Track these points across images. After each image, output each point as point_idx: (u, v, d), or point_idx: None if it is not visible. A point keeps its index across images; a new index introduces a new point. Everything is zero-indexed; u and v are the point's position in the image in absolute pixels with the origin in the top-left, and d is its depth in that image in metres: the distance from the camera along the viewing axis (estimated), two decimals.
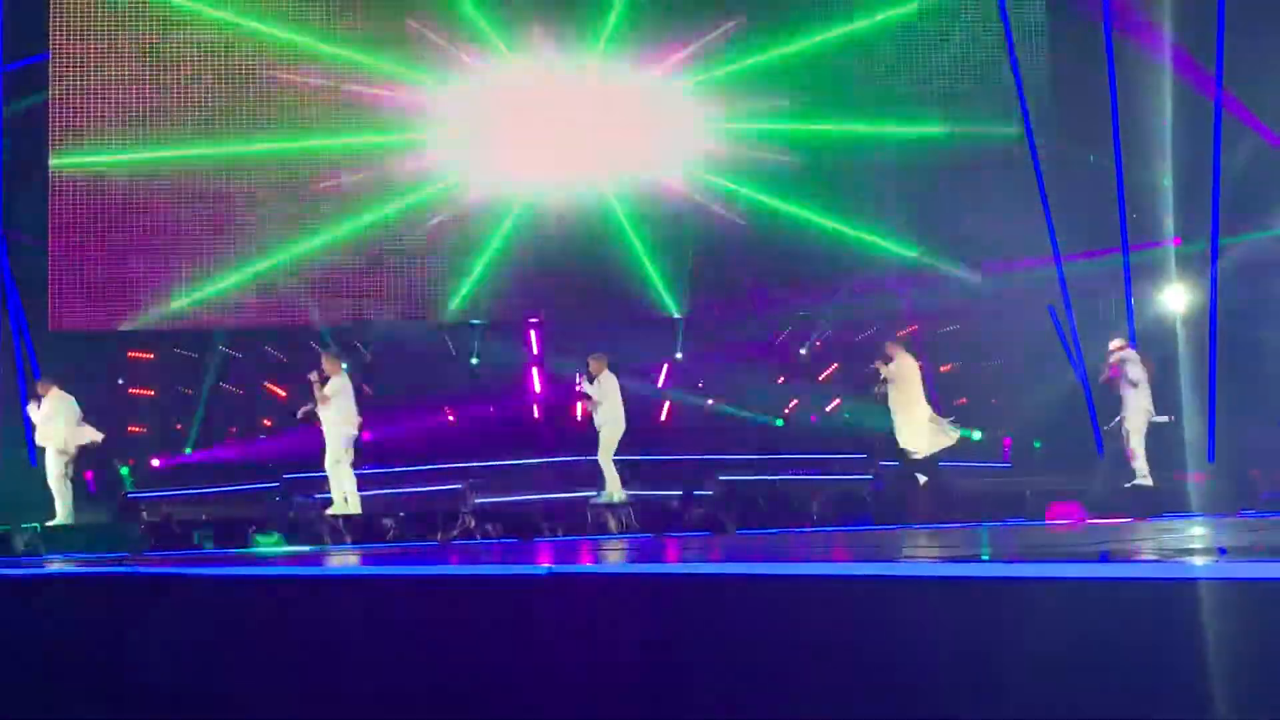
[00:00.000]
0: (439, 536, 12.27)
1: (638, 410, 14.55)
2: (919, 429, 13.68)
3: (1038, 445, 18.39)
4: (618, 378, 13.86)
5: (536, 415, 18.84)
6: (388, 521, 12.75)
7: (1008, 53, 17.84)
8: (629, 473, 14.01)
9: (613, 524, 12.84)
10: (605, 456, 13.68)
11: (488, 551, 10.50)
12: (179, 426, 18.42)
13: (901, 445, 13.78)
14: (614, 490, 13.56)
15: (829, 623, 4.58)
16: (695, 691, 4.64)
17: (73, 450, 13.64)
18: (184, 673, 5.54)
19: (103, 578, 7.64)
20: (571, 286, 17.95)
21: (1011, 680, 4.04)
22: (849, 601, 4.65)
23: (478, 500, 13.97)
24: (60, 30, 17.33)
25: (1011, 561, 4.64)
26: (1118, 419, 14.13)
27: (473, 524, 12.43)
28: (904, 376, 13.79)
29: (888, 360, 13.85)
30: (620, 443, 13.75)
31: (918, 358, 14.18)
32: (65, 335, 17.17)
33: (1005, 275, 18.22)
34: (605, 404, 13.69)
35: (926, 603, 4.39)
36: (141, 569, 8.24)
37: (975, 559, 5.08)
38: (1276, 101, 16.88)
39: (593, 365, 13.85)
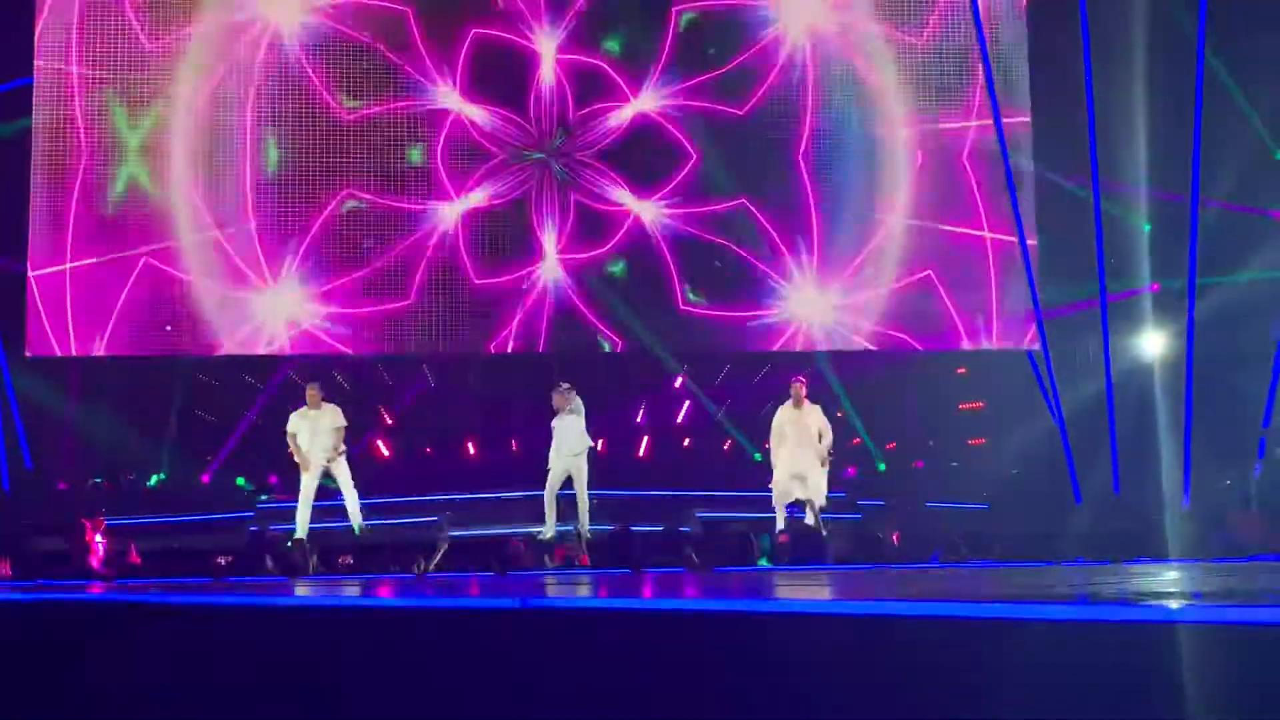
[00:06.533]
0: (416, 568, 12.18)
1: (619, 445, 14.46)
2: (777, 479, 13.77)
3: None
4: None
5: (515, 449, 18.75)
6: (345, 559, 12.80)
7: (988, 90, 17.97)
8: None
9: (588, 559, 12.77)
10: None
11: (464, 584, 10.42)
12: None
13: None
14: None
15: (803, 660, 4.56)
16: None
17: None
18: (157, 702, 5.47)
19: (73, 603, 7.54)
20: None
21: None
22: (829, 638, 4.63)
23: (454, 533, 13.85)
24: (46, 52, 17.34)
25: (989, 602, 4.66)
26: None
27: (447, 556, 12.35)
28: (773, 432, 13.86)
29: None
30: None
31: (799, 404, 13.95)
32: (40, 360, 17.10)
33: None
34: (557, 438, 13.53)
35: (915, 640, 4.38)
36: (119, 595, 8.16)
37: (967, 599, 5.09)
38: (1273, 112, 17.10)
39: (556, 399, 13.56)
